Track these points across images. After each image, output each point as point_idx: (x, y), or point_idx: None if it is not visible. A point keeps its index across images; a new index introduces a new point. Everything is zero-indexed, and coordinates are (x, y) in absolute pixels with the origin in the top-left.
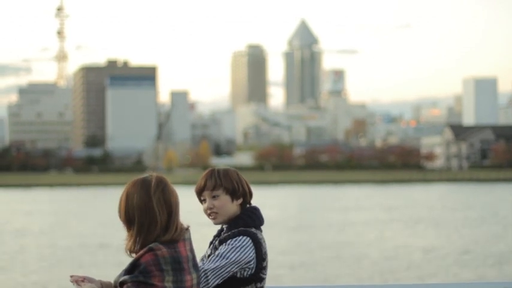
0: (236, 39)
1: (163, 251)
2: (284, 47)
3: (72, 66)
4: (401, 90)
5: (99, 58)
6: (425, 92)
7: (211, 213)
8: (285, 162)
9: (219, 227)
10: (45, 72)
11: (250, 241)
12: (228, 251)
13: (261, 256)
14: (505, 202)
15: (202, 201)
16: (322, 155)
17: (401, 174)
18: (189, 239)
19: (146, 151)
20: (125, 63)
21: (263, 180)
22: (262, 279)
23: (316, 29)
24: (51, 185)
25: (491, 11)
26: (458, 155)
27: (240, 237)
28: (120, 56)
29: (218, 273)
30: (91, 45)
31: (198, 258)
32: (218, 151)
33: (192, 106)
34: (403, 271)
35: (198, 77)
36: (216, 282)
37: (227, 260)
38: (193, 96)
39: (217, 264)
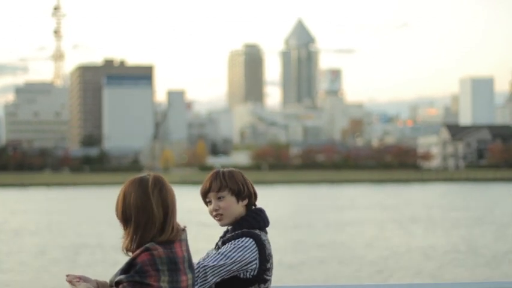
0: (233, 38)
1: (159, 251)
2: (281, 46)
3: (69, 66)
4: (398, 89)
5: (95, 57)
6: (422, 91)
7: (217, 214)
8: (281, 162)
9: (224, 228)
10: (42, 72)
11: (253, 242)
12: (230, 251)
13: (264, 257)
14: (501, 202)
15: (207, 203)
16: (318, 154)
17: (398, 174)
18: (185, 240)
19: (143, 150)
20: (122, 63)
21: (260, 179)
22: (266, 281)
23: (313, 29)
24: (47, 184)
25: (488, 11)
26: (455, 155)
27: (243, 238)
28: (116, 56)
29: (217, 271)
30: (88, 45)
31: (195, 259)
32: (215, 150)
33: (188, 105)
34: (401, 270)
35: (195, 77)
36: (214, 280)
37: (228, 260)
38: (189, 96)
39: (217, 262)
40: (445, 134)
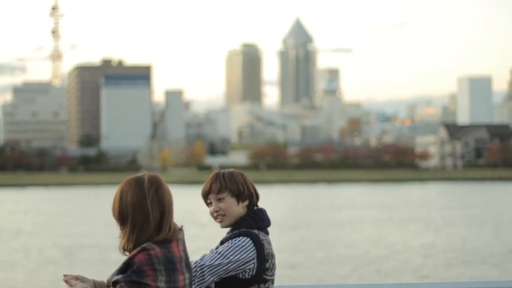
0: (231, 38)
1: (156, 250)
2: (279, 46)
3: (67, 66)
4: (396, 89)
5: (93, 57)
6: (420, 90)
7: (217, 216)
8: (279, 161)
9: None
10: (40, 72)
11: (250, 242)
12: (226, 251)
13: (263, 257)
14: (499, 201)
15: (208, 204)
16: (316, 154)
17: (395, 173)
18: (183, 240)
19: (141, 150)
20: (120, 63)
21: (258, 179)
22: (266, 281)
23: (311, 28)
24: (45, 184)
25: (487, 10)
26: (453, 154)
27: (240, 237)
28: (114, 55)
29: (214, 270)
30: (86, 45)
31: (193, 259)
32: (213, 150)
33: (186, 105)
34: (399, 270)
35: (193, 76)
36: (212, 279)
37: (224, 259)
38: (187, 95)
39: (214, 261)
40: (443, 133)
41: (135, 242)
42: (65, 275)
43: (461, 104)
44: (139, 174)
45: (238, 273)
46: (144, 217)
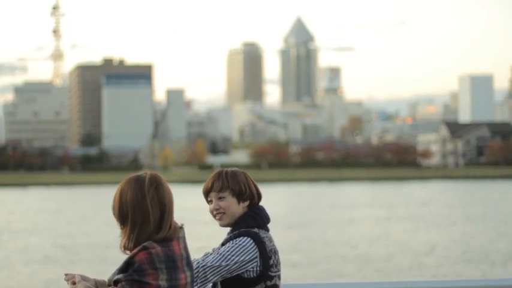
0: (232, 37)
1: (157, 249)
2: (280, 45)
3: (68, 65)
4: (397, 87)
5: (95, 57)
6: (421, 89)
7: (217, 214)
8: (281, 160)
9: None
10: (41, 71)
11: (252, 241)
12: (228, 251)
13: (265, 255)
14: (501, 199)
15: (208, 202)
16: (318, 152)
17: (397, 172)
18: (183, 238)
19: (142, 149)
20: (121, 62)
21: (259, 178)
22: (272, 278)
23: (312, 27)
24: (47, 184)
25: (488, 8)
26: (454, 152)
27: (241, 237)
28: (116, 55)
29: (217, 271)
30: (87, 44)
31: (195, 257)
32: (214, 149)
33: (188, 104)
34: (402, 268)
35: (194, 75)
36: (215, 279)
37: (226, 261)
38: (189, 95)
39: (215, 263)
40: (445, 132)
41: (136, 241)
42: (66, 274)
43: (462, 102)
44: (139, 173)
45: (243, 273)
46: (144, 216)
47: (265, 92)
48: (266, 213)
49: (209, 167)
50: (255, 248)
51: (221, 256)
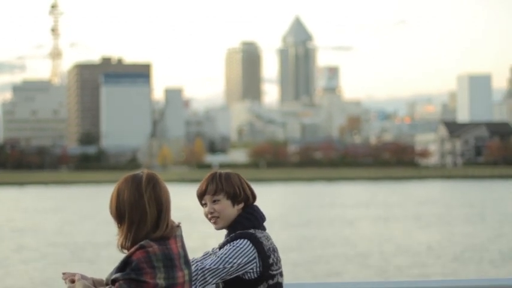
0: (230, 36)
1: (154, 248)
2: (278, 44)
3: (67, 64)
4: (395, 87)
5: (93, 55)
6: (419, 88)
7: (212, 217)
8: (279, 159)
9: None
10: (40, 70)
11: (249, 242)
12: (227, 255)
13: (264, 254)
14: (499, 199)
15: (203, 205)
16: (316, 152)
17: (395, 171)
18: (181, 236)
19: (141, 148)
20: (119, 61)
21: (257, 177)
22: (273, 276)
23: (310, 26)
24: (45, 182)
25: (487, 8)
26: (453, 152)
27: (238, 240)
28: (114, 54)
29: (216, 274)
30: (85, 43)
31: (195, 256)
32: (212, 148)
33: (186, 103)
34: (400, 267)
35: (192, 74)
36: (214, 281)
37: (225, 263)
38: (187, 94)
39: (215, 265)
40: (443, 131)
41: (133, 240)
42: (63, 273)
43: (461, 102)
44: (136, 172)
45: (244, 275)
46: (141, 215)
47: (264, 91)
48: (261, 212)
49: (208, 166)
50: (253, 249)
51: (220, 259)
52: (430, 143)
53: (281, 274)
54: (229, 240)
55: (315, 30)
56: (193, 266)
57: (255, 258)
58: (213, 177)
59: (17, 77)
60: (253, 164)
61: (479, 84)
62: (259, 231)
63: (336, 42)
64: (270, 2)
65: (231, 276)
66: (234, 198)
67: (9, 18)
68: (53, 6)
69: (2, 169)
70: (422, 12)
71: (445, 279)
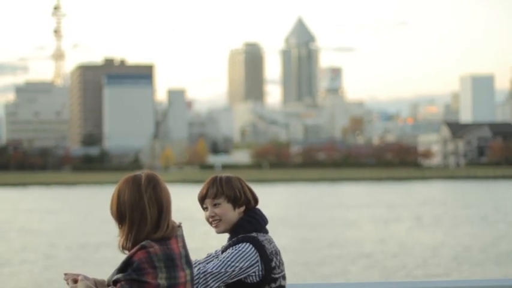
0: (233, 37)
1: (155, 248)
2: (281, 45)
3: (69, 65)
4: (398, 87)
5: (96, 57)
6: (422, 89)
7: (213, 221)
8: (282, 160)
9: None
10: (42, 71)
11: (251, 246)
12: (229, 259)
13: (266, 258)
14: (502, 199)
15: (204, 209)
16: (319, 152)
17: (398, 172)
18: (182, 236)
19: (143, 149)
20: (122, 62)
21: (260, 178)
22: (275, 280)
23: (313, 27)
24: (48, 183)
25: (489, 9)
26: (456, 153)
27: (240, 244)
28: (117, 55)
29: (218, 277)
30: (88, 44)
31: (198, 257)
32: (215, 149)
33: (189, 104)
34: (405, 268)
35: (195, 75)
36: (216, 285)
37: (227, 267)
38: (190, 95)
39: (217, 269)
40: (446, 132)
41: (134, 240)
42: (65, 274)
43: (463, 103)
44: (137, 172)
45: (246, 278)
46: (142, 215)
47: (266, 92)
48: (263, 215)
49: (210, 167)
50: (255, 253)
51: (222, 263)
52: (433, 143)
53: (284, 277)
54: (231, 244)
55: (317, 32)
56: (196, 268)
57: (257, 261)
58: (214, 181)
59: (20, 78)
60: (256, 165)
61: (482, 84)
62: (262, 234)
63: (339, 43)
64: (273, 3)
65: (232, 280)
66: (235, 202)
67: (12, 19)
68: (56, 8)
69: (5, 170)
70: (424, 13)
71: (449, 279)
